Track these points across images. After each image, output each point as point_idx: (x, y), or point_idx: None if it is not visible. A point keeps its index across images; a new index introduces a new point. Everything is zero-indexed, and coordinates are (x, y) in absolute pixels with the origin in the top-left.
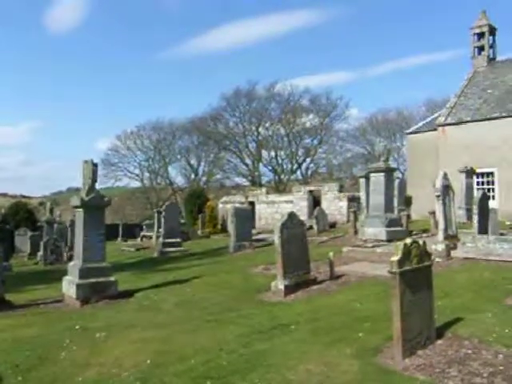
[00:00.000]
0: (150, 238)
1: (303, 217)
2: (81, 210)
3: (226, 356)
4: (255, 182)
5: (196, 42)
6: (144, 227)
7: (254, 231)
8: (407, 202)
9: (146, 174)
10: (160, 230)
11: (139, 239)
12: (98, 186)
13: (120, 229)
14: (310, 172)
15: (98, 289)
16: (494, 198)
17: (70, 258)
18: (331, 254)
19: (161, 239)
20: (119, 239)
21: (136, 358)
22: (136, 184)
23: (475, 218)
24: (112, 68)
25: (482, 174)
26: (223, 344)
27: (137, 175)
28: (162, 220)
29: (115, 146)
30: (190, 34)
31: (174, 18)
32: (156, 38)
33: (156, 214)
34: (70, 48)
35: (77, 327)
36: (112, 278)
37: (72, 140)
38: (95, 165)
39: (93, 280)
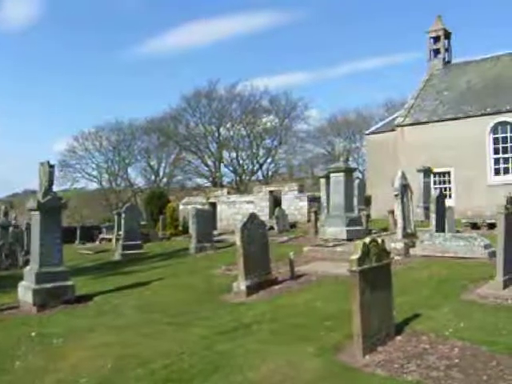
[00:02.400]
0: (110, 240)
1: (264, 217)
2: (37, 212)
3: (188, 358)
4: (216, 183)
5: (155, 42)
6: (103, 230)
7: (215, 232)
8: (367, 201)
9: (105, 176)
10: (120, 232)
11: (98, 242)
12: (54, 188)
13: (78, 231)
14: (270, 172)
15: (56, 294)
16: (450, 196)
17: (26, 263)
18: (292, 253)
19: (120, 241)
20: (77, 242)
21: (95, 364)
22: (94, 186)
23: (433, 217)
24: (69, 69)
25: (439, 174)
26: (185, 346)
27: (95, 177)
28: (122, 222)
29: (72, 147)
30: (148, 34)
31: (133, 18)
32: (114, 39)
33: (115, 216)
34: (24, 48)
35: (33, 334)
36: (70, 283)
37: (28, 141)
38: (52, 166)
39: (50, 285)
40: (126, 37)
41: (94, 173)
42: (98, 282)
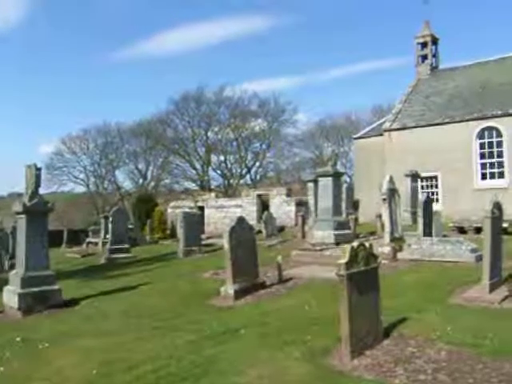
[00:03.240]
0: (97, 244)
1: (252, 221)
2: (23, 215)
3: (176, 363)
4: (204, 187)
5: (143, 45)
6: (90, 233)
7: (203, 236)
8: (355, 205)
9: (92, 179)
10: (107, 235)
11: (85, 245)
12: (41, 191)
13: (65, 235)
14: (258, 176)
15: (42, 298)
16: (437, 200)
17: (12, 267)
18: (280, 257)
19: (108, 245)
20: (64, 246)
21: (81, 369)
22: (81, 189)
23: (420, 221)
24: (57, 71)
25: (426, 178)
26: (173, 351)
27: (82, 180)
28: (109, 225)
29: (59, 150)
30: (138, 37)
31: (121, 20)
32: (102, 41)
33: (103, 220)
34: (10, 49)
35: (18, 339)
36: (56, 287)
37: (14, 144)
38: (38, 169)
39: (36, 289)
40: (115, 39)
41: (81, 176)
42: (84, 286)
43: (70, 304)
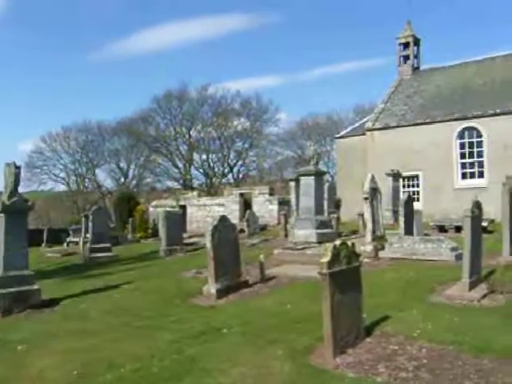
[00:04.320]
0: (77, 243)
1: (235, 220)
2: (2, 215)
3: (158, 363)
4: (187, 186)
5: (125, 42)
6: (71, 232)
7: (185, 235)
8: (337, 204)
9: (73, 177)
10: (88, 235)
11: (65, 245)
12: (21, 189)
13: (44, 234)
14: (241, 175)
15: (21, 298)
16: (418, 200)
17: None
18: (262, 256)
19: (88, 244)
20: (44, 245)
21: (61, 370)
22: (62, 187)
23: (401, 220)
24: (36, 69)
25: (408, 177)
26: (155, 350)
27: (63, 178)
28: (90, 224)
29: (39, 148)
30: (119, 35)
31: (103, 19)
32: (83, 39)
33: (83, 219)
34: None
35: None
36: (36, 286)
37: None
38: (18, 167)
39: (14, 289)
40: (96, 37)
41: (62, 174)
42: (65, 285)
43: (50, 304)
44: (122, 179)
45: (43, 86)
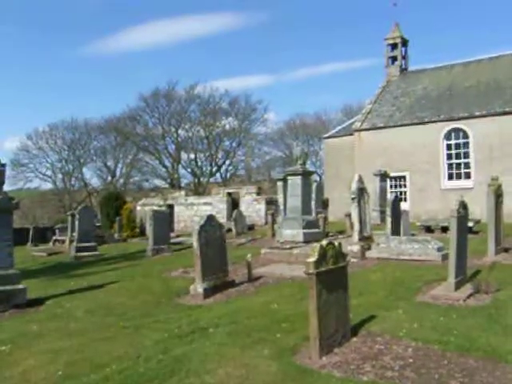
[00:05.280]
0: (64, 242)
1: (222, 219)
2: None
3: (144, 363)
4: (174, 185)
5: (113, 40)
6: (57, 231)
7: (172, 234)
8: (324, 204)
9: (59, 176)
10: (74, 233)
11: (51, 244)
12: (6, 187)
13: (31, 233)
14: (229, 174)
15: (5, 298)
16: (405, 200)
17: None
18: (249, 256)
19: (75, 243)
20: (30, 244)
21: (46, 370)
22: (48, 186)
23: (388, 220)
24: (21, 65)
25: (395, 178)
26: (141, 350)
27: (49, 176)
28: (76, 223)
29: (25, 146)
30: (107, 33)
31: (92, 16)
32: (71, 36)
33: (70, 217)
34: None
35: None
36: (21, 286)
37: None
38: (3, 165)
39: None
40: (84, 34)
41: (48, 172)
42: (50, 285)
43: (35, 304)
44: (109, 178)
45: (30, 83)
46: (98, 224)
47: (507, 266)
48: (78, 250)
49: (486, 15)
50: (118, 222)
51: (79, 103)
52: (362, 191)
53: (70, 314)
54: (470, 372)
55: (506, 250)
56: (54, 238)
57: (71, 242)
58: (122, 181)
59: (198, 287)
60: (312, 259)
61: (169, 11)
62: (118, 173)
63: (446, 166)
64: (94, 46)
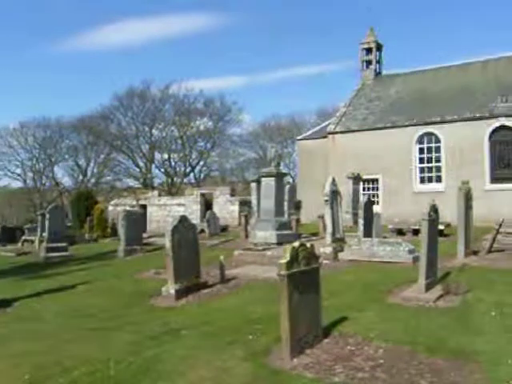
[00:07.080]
0: (33, 242)
1: (195, 220)
2: None
3: (114, 365)
4: (147, 185)
5: (86, 38)
6: (26, 231)
7: (145, 235)
8: (297, 206)
9: (30, 174)
10: (44, 233)
11: (20, 244)
12: None
13: None
14: (202, 175)
15: None
16: (378, 203)
17: None
18: (222, 257)
19: (45, 243)
20: None
21: (12, 374)
22: (18, 184)
23: (360, 222)
24: None
25: (368, 181)
26: (111, 353)
27: (19, 175)
28: (46, 223)
29: None
30: (79, 30)
31: (63, 13)
32: (42, 33)
33: (39, 217)
34: None
35: None
36: None
37: None
38: None
39: None
40: (56, 32)
41: (18, 171)
42: (18, 286)
43: (1, 305)
44: (81, 177)
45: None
46: (68, 224)
47: (476, 268)
48: (48, 250)
49: (460, 23)
50: (89, 222)
51: (52, 102)
52: (335, 194)
53: (39, 316)
54: (439, 372)
55: (475, 253)
56: (24, 237)
57: (41, 242)
58: (93, 180)
59: (170, 288)
60: (284, 260)
61: (142, 10)
62: (89, 172)
63: (418, 169)
64: (67, 44)
